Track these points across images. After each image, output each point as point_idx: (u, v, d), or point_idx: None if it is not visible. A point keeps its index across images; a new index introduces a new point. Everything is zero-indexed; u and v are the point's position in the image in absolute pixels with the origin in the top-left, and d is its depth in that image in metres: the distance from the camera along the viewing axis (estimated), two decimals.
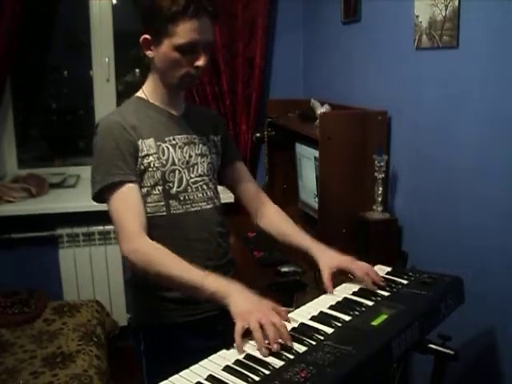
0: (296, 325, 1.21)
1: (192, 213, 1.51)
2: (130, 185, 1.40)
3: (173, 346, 1.49)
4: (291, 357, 1.07)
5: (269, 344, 1.10)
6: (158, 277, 1.32)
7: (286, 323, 1.19)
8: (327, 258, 1.47)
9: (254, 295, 1.24)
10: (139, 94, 1.56)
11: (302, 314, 1.28)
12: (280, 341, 1.11)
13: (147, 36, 1.44)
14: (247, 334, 1.14)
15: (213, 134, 1.63)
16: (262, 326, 1.12)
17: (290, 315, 1.28)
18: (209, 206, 1.55)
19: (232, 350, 1.13)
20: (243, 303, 1.20)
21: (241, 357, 1.10)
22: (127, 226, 1.36)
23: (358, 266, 1.44)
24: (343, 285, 1.44)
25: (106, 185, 1.39)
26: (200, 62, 1.42)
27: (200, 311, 1.51)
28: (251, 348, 1.13)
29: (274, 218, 1.66)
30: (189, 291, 1.31)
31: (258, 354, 1.09)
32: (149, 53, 1.47)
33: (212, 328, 1.52)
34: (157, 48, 1.44)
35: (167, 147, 1.48)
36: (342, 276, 1.47)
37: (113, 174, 1.39)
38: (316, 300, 1.38)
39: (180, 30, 1.37)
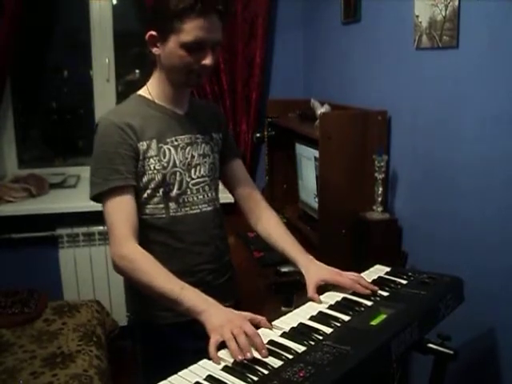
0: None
1: (191, 215, 1.51)
2: (128, 189, 1.40)
3: (170, 346, 1.49)
4: (290, 356, 1.07)
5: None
6: (140, 285, 1.33)
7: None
8: (313, 271, 1.44)
9: (227, 309, 1.24)
10: (142, 91, 1.53)
11: (301, 314, 1.28)
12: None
13: (153, 33, 1.42)
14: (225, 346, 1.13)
15: (216, 131, 1.62)
16: (234, 337, 1.12)
17: (289, 315, 1.28)
18: (209, 209, 1.55)
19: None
20: (216, 318, 1.19)
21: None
22: (118, 231, 1.36)
23: (346, 278, 1.40)
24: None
25: (104, 189, 1.39)
26: (207, 61, 1.39)
27: None
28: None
29: (267, 223, 1.62)
30: (167, 302, 1.30)
31: (256, 354, 1.09)
32: (155, 50, 1.44)
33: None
34: (163, 45, 1.41)
35: (168, 149, 1.47)
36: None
37: (112, 179, 1.38)
38: None
39: (187, 27, 1.35)
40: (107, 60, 3.14)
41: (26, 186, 2.95)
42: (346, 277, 1.41)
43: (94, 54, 3.15)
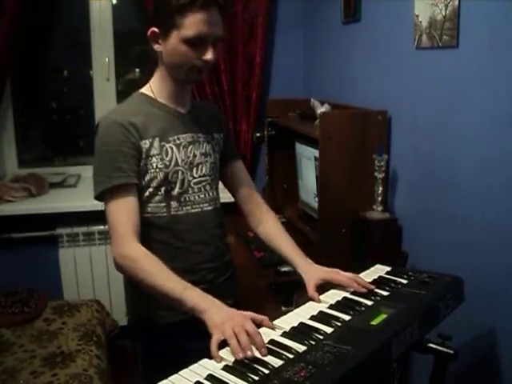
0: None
1: (192, 214, 1.51)
2: (130, 188, 1.40)
3: (169, 345, 1.49)
4: (291, 356, 1.07)
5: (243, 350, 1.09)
6: (142, 284, 1.33)
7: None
8: (311, 271, 1.46)
9: (230, 308, 1.24)
10: (145, 90, 1.53)
11: (302, 314, 1.28)
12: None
13: (155, 29, 1.42)
14: (226, 344, 1.13)
15: (217, 131, 1.62)
16: (236, 335, 1.13)
17: (289, 314, 1.29)
18: (210, 208, 1.55)
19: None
20: (218, 316, 1.20)
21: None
22: (120, 230, 1.36)
23: (344, 276, 1.43)
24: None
25: (108, 187, 1.38)
26: (208, 56, 1.39)
27: None
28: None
29: (268, 225, 1.64)
30: (169, 302, 1.30)
31: (257, 354, 1.09)
32: (157, 46, 1.44)
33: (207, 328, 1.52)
34: (165, 41, 1.41)
35: (171, 147, 1.47)
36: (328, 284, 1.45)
37: (115, 177, 1.38)
38: None
39: (188, 21, 1.35)
40: (107, 59, 3.14)
41: (26, 186, 2.95)
42: (344, 275, 1.44)
43: (93, 54, 3.15)
